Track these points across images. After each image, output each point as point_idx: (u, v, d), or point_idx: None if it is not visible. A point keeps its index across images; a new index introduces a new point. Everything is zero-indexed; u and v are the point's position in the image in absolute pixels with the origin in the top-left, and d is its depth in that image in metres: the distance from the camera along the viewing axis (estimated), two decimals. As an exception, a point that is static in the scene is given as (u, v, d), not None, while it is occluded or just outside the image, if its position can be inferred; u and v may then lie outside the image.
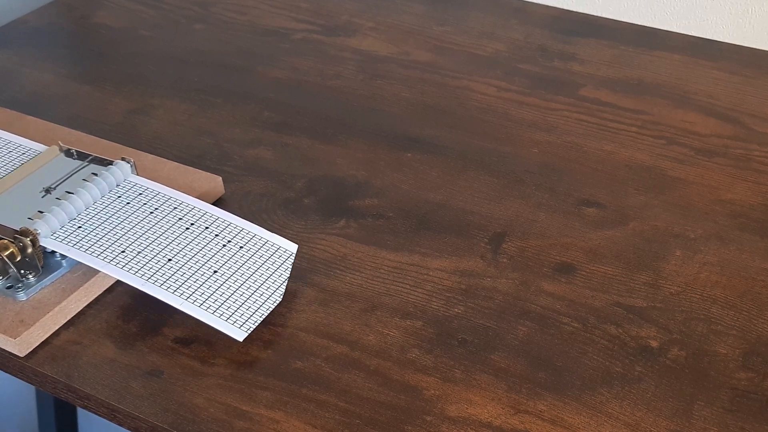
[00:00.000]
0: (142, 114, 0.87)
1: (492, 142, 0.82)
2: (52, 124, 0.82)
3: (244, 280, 0.63)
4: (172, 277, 0.62)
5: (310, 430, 0.56)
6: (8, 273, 0.64)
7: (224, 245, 0.65)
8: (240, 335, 0.60)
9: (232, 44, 0.98)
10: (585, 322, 0.63)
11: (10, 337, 0.61)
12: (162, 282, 0.62)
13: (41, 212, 0.66)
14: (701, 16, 0.98)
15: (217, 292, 0.62)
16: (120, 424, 0.59)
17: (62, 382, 0.60)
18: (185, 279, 0.62)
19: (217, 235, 0.65)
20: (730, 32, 0.97)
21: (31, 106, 0.87)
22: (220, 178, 0.75)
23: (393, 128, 0.84)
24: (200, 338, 0.62)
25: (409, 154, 0.81)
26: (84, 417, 1.27)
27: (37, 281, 0.64)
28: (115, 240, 0.65)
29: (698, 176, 0.77)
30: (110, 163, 0.71)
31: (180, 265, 0.63)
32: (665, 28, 1.00)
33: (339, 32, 1.00)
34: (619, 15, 1.02)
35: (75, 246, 0.64)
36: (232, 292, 0.62)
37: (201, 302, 0.61)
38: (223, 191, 0.75)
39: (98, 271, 0.65)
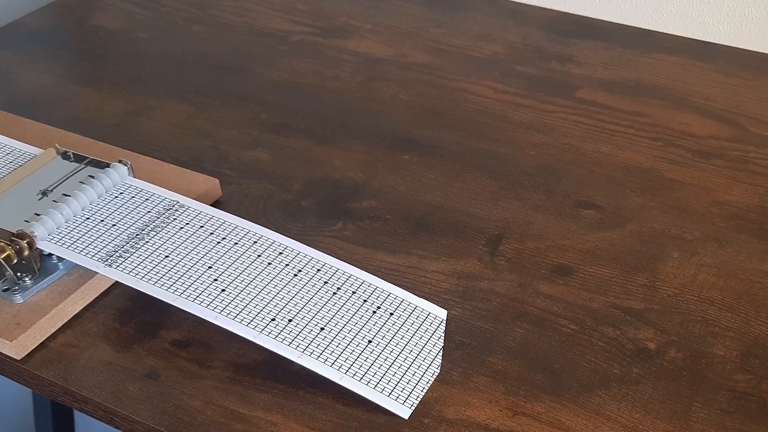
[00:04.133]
0: (140, 116, 0.87)
1: (489, 143, 0.82)
2: (48, 126, 0.82)
3: (399, 351, 0.59)
4: (329, 347, 0.59)
5: (307, 432, 0.56)
6: (5, 276, 0.64)
7: (374, 312, 0.61)
8: (405, 412, 0.57)
9: (230, 46, 0.98)
10: (582, 324, 0.63)
11: (7, 339, 0.60)
12: (319, 354, 0.58)
13: (38, 215, 0.66)
14: (698, 18, 0.99)
15: (375, 364, 0.58)
16: (117, 427, 0.59)
17: (59, 385, 0.60)
18: (342, 349, 0.59)
19: (365, 301, 0.62)
20: (727, 34, 0.98)
21: (28, 107, 0.87)
22: (218, 180, 0.75)
23: (390, 130, 0.84)
24: (197, 341, 0.62)
25: (406, 156, 0.81)
26: (81, 420, 1.26)
27: (34, 284, 0.64)
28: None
29: (695, 178, 0.77)
30: (107, 165, 0.71)
31: (335, 334, 0.59)
32: (662, 30, 1.00)
33: (336, 34, 1.00)
34: (616, 17, 1.02)
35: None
36: (390, 363, 0.59)
37: (361, 376, 0.57)
38: (221, 193, 0.75)
39: (95, 274, 0.65)
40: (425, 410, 0.57)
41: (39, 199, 0.69)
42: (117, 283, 0.66)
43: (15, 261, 0.63)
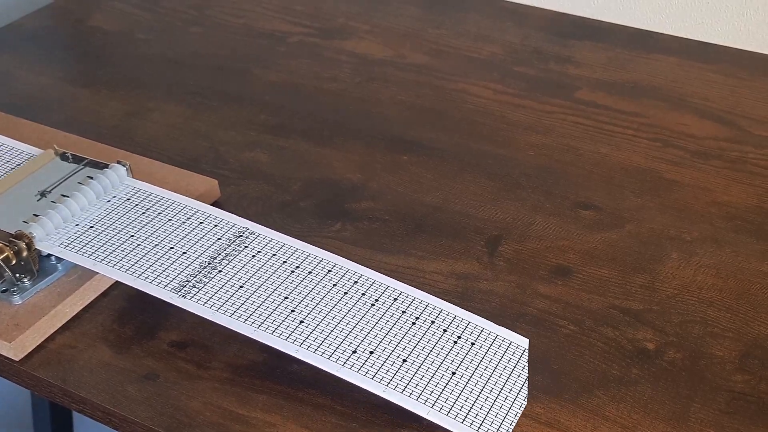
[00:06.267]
0: (138, 117, 0.87)
1: (488, 144, 0.82)
2: (47, 127, 0.82)
3: (485, 382, 0.57)
4: (413, 380, 0.57)
5: (306, 433, 0.56)
6: (3, 277, 0.63)
7: (455, 342, 0.59)
8: None
9: (228, 47, 0.98)
10: (581, 325, 0.63)
11: (5, 341, 0.60)
12: (404, 387, 0.56)
13: (36, 215, 0.66)
14: (696, 18, 0.99)
15: (461, 397, 0.56)
16: (116, 428, 0.59)
17: (57, 386, 0.60)
18: (426, 382, 0.57)
19: (445, 330, 0.60)
20: (725, 35, 0.98)
21: (27, 109, 0.87)
22: (216, 181, 0.75)
23: (389, 131, 0.84)
24: (196, 342, 0.62)
25: (405, 157, 0.81)
26: (79, 421, 1.26)
27: (33, 285, 0.64)
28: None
29: (694, 178, 0.77)
30: (105, 166, 0.71)
31: (417, 366, 0.57)
32: (661, 31, 1.00)
33: (335, 35, 1.00)
34: (614, 18, 1.02)
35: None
36: (476, 396, 0.56)
37: (448, 409, 0.55)
38: (219, 194, 0.75)
39: (94, 275, 0.65)
40: (424, 411, 0.57)
41: (38, 200, 0.69)
42: (116, 285, 0.66)
43: (13, 262, 0.63)
